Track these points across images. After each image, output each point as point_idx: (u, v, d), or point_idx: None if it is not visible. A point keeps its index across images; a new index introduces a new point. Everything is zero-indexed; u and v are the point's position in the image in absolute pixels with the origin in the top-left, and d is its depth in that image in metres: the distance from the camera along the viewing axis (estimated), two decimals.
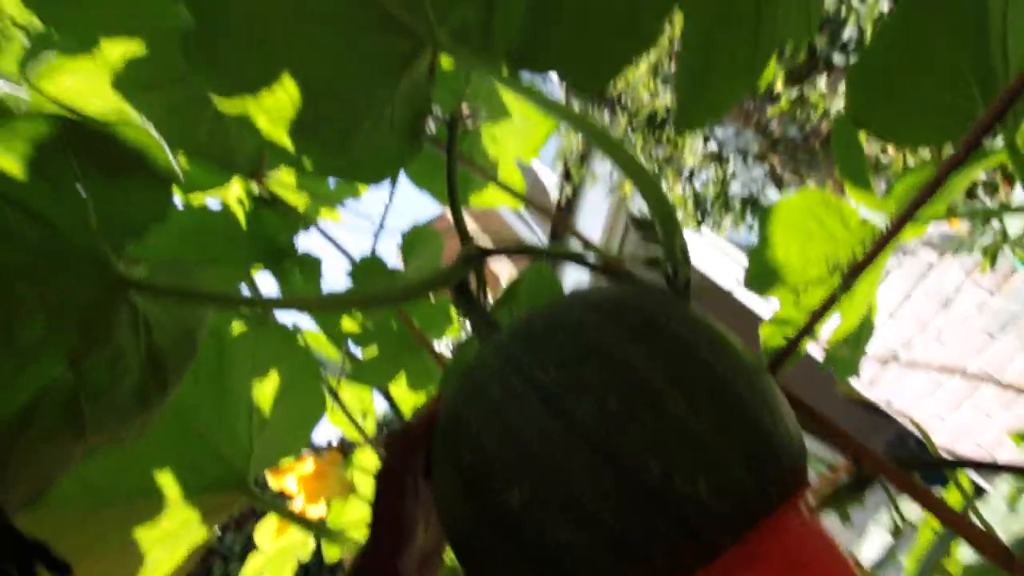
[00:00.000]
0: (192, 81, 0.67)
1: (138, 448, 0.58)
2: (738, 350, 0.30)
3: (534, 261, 0.52)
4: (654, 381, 0.26)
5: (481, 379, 0.31)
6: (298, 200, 1.08)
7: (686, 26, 0.40)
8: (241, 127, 0.80)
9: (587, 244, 0.56)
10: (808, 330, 0.42)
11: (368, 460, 1.11)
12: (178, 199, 0.91)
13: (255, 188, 1.01)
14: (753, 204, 3.06)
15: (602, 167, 3.55)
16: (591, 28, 0.40)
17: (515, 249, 0.41)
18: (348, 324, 0.78)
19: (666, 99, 3.15)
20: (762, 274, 0.68)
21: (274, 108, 0.45)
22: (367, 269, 0.63)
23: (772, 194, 3.03)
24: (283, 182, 1.03)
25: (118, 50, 0.69)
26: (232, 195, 1.00)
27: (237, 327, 0.76)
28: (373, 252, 0.76)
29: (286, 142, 0.48)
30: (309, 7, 0.42)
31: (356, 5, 0.42)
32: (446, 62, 0.71)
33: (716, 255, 3.14)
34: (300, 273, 1.10)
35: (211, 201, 0.99)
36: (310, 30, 0.42)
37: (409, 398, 0.87)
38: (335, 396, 0.99)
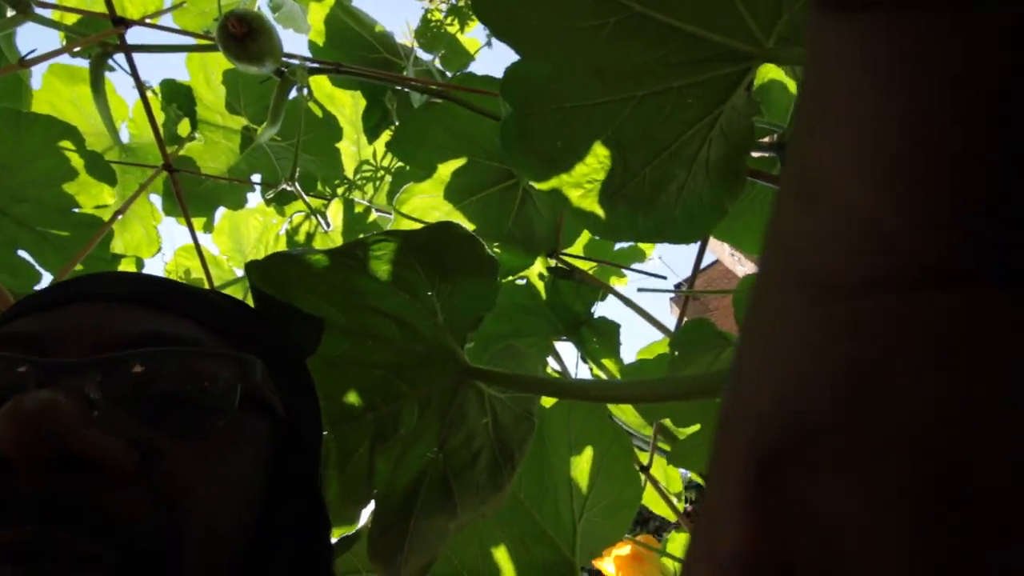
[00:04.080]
0: (502, 179, 0.72)
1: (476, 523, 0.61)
2: None
3: None
4: None
5: None
6: (588, 269, 1.10)
7: None
8: (542, 209, 0.83)
9: None
10: None
11: (680, 550, 0.99)
12: None
13: (552, 263, 1.06)
14: None
15: None
16: None
17: None
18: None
19: None
20: None
21: (583, 177, 0.43)
22: (695, 335, 0.56)
23: None
24: (577, 254, 1.06)
25: (448, 169, 0.83)
26: (534, 272, 1.07)
27: (548, 400, 0.78)
28: (682, 316, 0.68)
29: (597, 208, 0.45)
30: (620, 69, 0.39)
31: (668, 43, 0.38)
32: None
33: None
34: (597, 339, 1.10)
35: None
36: (620, 88, 0.39)
37: None
38: (645, 471, 0.92)
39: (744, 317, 0.12)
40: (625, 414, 0.94)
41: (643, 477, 0.88)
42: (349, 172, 1.27)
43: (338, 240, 1.06)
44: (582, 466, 0.68)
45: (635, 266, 1.28)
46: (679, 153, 0.43)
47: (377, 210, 1.06)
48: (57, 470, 0.21)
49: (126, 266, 1.37)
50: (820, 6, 0.11)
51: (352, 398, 0.45)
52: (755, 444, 0.11)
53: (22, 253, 0.89)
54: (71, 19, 0.99)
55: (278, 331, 0.36)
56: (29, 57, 0.71)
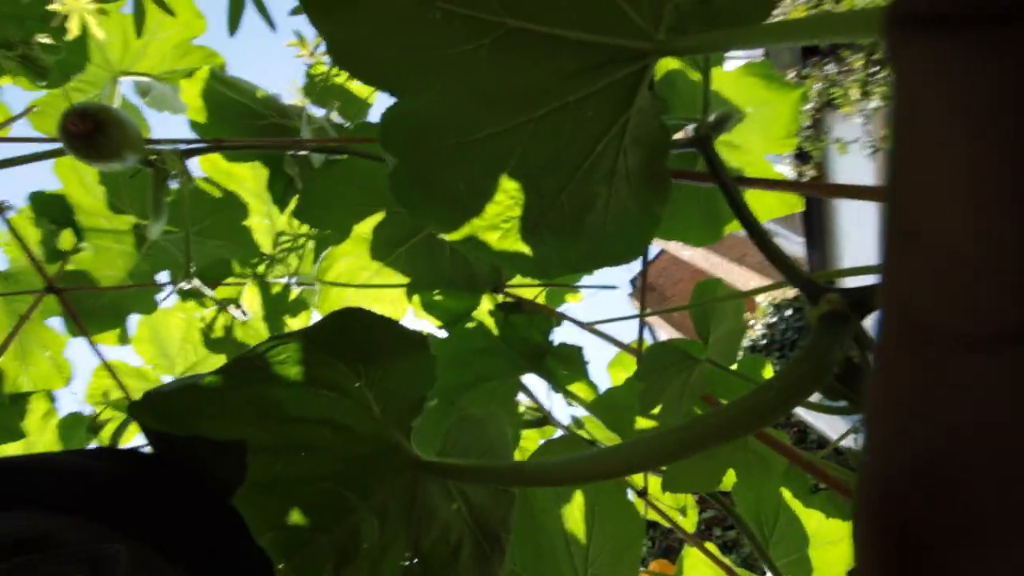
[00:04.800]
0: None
1: None
2: None
3: None
4: None
5: None
6: (537, 295, 1.05)
7: None
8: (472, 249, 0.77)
9: None
10: None
11: (698, 566, 0.93)
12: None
13: (499, 298, 1.01)
14: None
15: (846, 127, 2.91)
16: None
17: None
18: (644, 421, 0.66)
19: None
20: None
21: (497, 216, 0.38)
22: (660, 361, 0.51)
23: None
24: (522, 282, 1.02)
25: (368, 226, 0.77)
26: (483, 311, 1.01)
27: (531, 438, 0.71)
28: (640, 335, 0.64)
29: (520, 247, 0.40)
30: (509, 92, 0.34)
31: (553, 55, 0.33)
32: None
33: None
34: (564, 367, 1.05)
35: None
36: (514, 113, 0.35)
37: (742, 498, 0.69)
38: (643, 495, 0.86)
39: (872, 370, 0.12)
40: (605, 440, 0.89)
41: (643, 502, 0.83)
42: (268, 247, 1.19)
43: (261, 328, 0.97)
44: (575, 515, 0.62)
45: (585, 279, 1.25)
46: (594, 170, 0.38)
47: (301, 284, 0.98)
48: None
49: (36, 403, 1.23)
50: (895, 28, 0.10)
51: (300, 521, 0.38)
52: (886, 511, 0.11)
53: None
54: None
55: (186, 477, 0.30)
56: None
